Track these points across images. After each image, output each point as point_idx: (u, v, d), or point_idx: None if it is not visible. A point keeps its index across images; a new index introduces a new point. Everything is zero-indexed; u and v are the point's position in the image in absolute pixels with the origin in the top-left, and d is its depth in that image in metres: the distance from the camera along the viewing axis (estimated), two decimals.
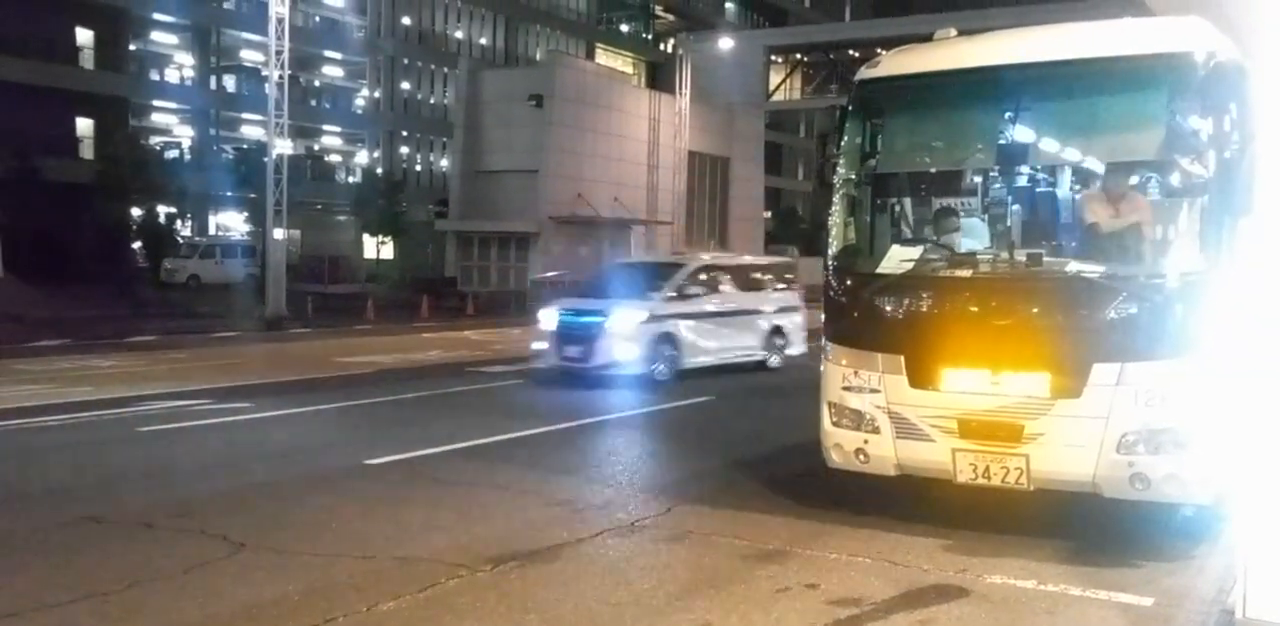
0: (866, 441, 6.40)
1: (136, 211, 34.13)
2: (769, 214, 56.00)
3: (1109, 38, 6.28)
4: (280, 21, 23.54)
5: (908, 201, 7.23)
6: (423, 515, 6.97)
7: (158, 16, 42.82)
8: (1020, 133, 6.43)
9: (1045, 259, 6.20)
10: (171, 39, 46.76)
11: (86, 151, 37.95)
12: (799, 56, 52.70)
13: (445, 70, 49.85)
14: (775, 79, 52.15)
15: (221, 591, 5.34)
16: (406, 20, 50.56)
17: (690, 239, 42.64)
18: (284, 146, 24.48)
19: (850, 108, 6.84)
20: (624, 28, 63.24)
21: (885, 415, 6.30)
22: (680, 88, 41.12)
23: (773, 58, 51.66)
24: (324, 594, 5.29)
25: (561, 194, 36.90)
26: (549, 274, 34.11)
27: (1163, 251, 5.89)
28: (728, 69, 45.83)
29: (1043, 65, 6.24)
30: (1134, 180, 6.42)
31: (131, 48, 42.94)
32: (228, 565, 5.81)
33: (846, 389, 6.49)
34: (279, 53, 23.55)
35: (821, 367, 6.79)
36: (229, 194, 38.68)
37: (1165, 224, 5.95)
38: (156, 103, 46.11)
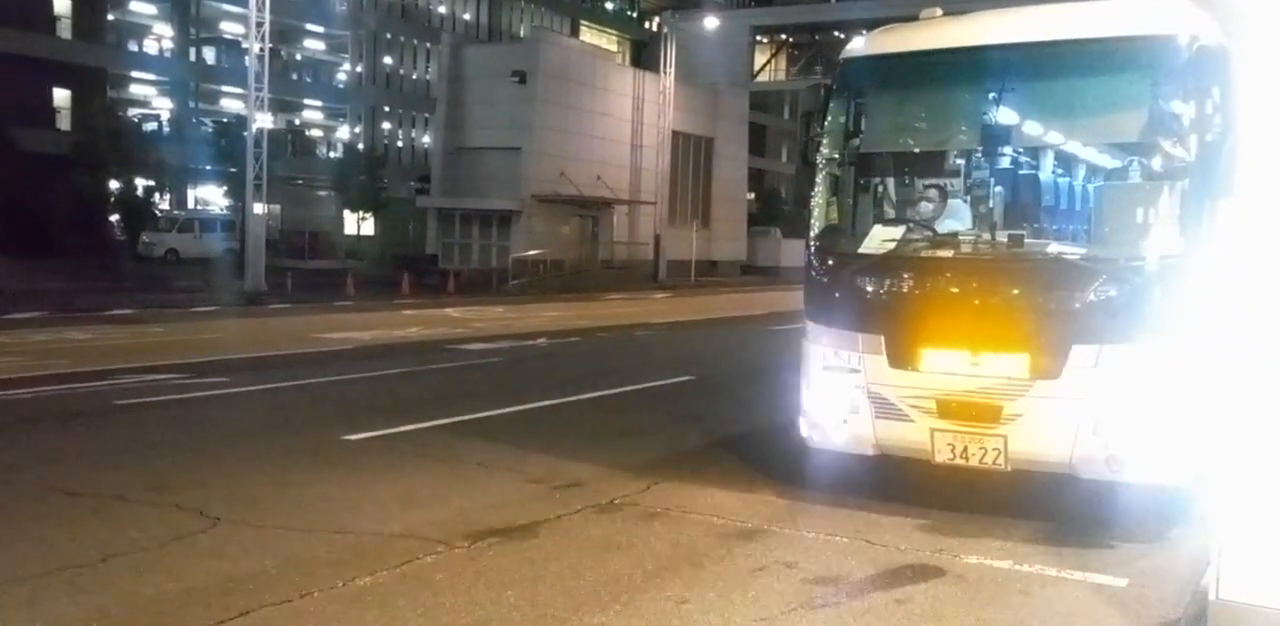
0: (845, 421, 6.41)
1: (114, 184, 33.76)
2: (752, 195, 55.96)
3: (1094, 19, 6.26)
4: None
5: (890, 181, 7.21)
6: (400, 491, 6.94)
7: None
8: (1003, 113, 6.41)
9: (1026, 240, 6.20)
10: (150, 9, 46.18)
11: (64, 122, 37.51)
12: (784, 37, 52.56)
13: (428, 45, 49.44)
14: (760, 59, 52.01)
15: (196, 565, 5.31)
16: None
17: (674, 219, 42.58)
18: (264, 120, 24.29)
19: (834, 86, 6.81)
20: (609, 5, 62.86)
21: (864, 395, 6.30)
22: (665, 67, 40.94)
23: (758, 38, 51.50)
24: (300, 568, 5.27)
25: (544, 172, 36.74)
26: (531, 252, 34.03)
27: (1143, 234, 5.89)
28: (713, 48, 45.66)
29: (1026, 46, 6.23)
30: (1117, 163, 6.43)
31: (110, 18, 42.39)
32: (203, 539, 5.77)
33: (826, 369, 6.49)
34: (260, 25, 23.30)
35: (801, 347, 6.79)
36: (208, 168, 38.37)
37: (1146, 207, 5.95)
38: (135, 74, 45.56)
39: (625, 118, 41.23)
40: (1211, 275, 5.66)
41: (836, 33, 46.57)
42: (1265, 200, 5.22)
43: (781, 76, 53.57)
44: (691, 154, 46.04)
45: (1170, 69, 5.81)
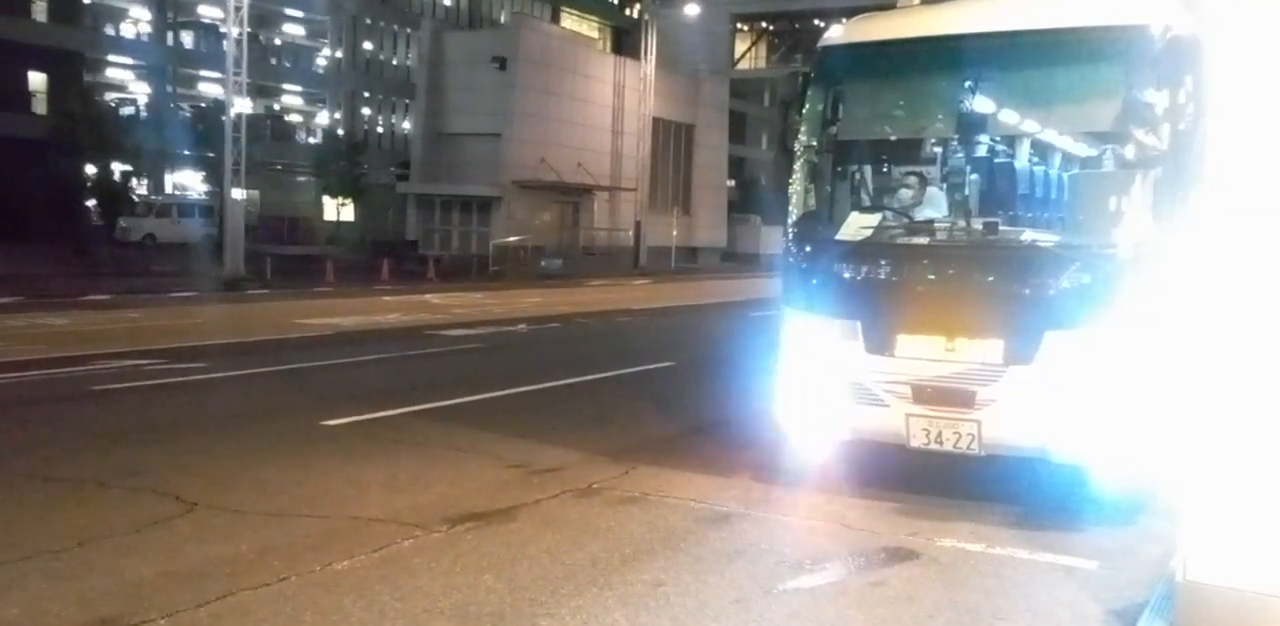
0: (821, 407, 6.45)
1: (91, 169, 33.48)
2: (733, 182, 55.98)
3: (1069, 8, 6.29)
4: None
5: (867, 169, 7.25)
6: (379, 475, 6.96)
7: None
8: (979, 102, 6.44)
9: (1001, 228, 6.25)
10: None
11: (39, 106, 37.14)
12: (765, 24, 52.44)
13: (408, 31, 49.15)
14: (741, 47, 51.91)
15: (174, 550, 5.32)
16: None
17: (654, 206, 42.57)
18: (243, 105, 24.12)
19: (812, 74, 6.83)
20: None
21: (840, 381, 6.35)
22: (645, 54, 40.85)
23: (739, 25, 51.38)
24: (278, 553, 5.28)
25: (525, 158, 36.65)
26: (511, 239, 33.96)
27: (1116, 222, 5.94)
28: (693, 36, 45.59)
29: (1002, 35, 6.25)
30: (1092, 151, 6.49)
31: (86, 1, 41.90)
32: (180, 524, 5.78)
33: (802, 355, 6.54)
34: (238, 9, 23.10)
35: (778, 333, 6.83)
36: (186, 152, 38.11)
37: (1119, 194, 6.00)
38: (112, 58, 45.14)
39: (606, 104, 41.16)
40: (1183, 262, 5.73)
41: (816, 21, 46.46)
42: (1235, 188, 5.29)
43: (762, 64, 53.49)
44: (672, 141, 46.00)
45: (1143, 58, 5.86)
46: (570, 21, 56.78)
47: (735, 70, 51.13)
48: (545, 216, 37.83)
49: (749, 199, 55.69)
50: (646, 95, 40.88)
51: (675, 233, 41.78)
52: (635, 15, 54.75)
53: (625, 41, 53.94)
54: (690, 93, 46.63)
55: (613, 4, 62.54)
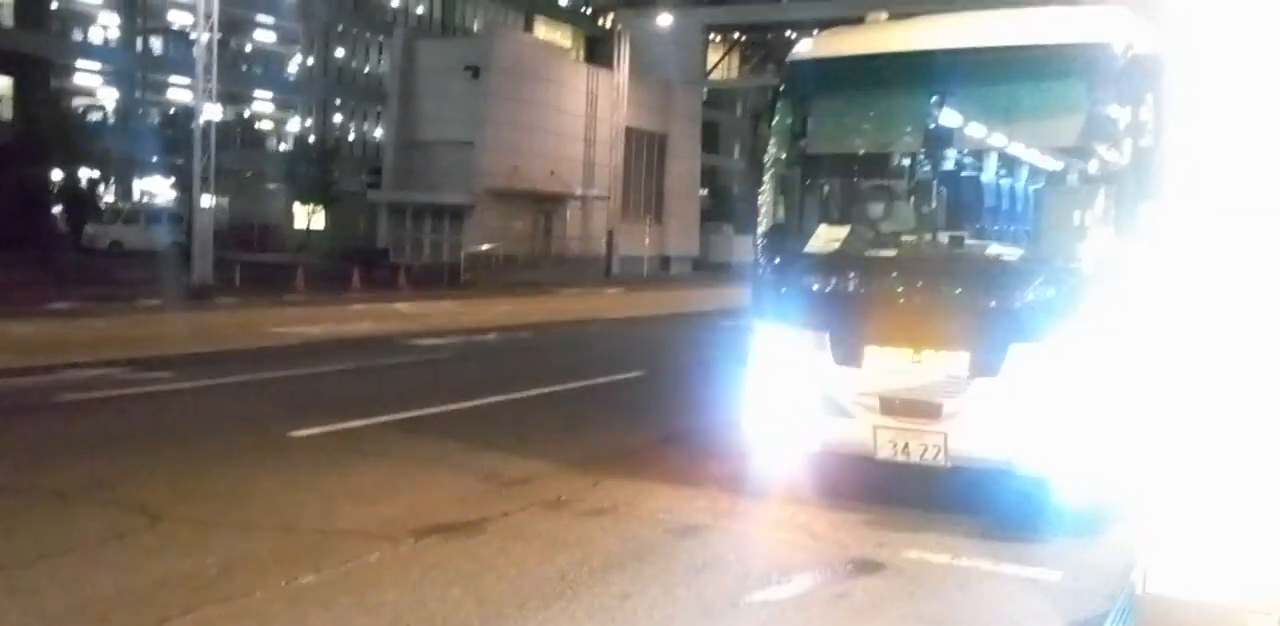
0: (790, 418, 6.49)
1: (58, 175, 33.12)
2: (705, 191, 56.15)
3: (1032, 25, 6.39)
4: None
5: (836, 182, 7.32)
6: (347, 486, 6.92)
7: None
8: (945, 117, 6.51)
9: (966, 241, 6.32)
10: None
11: (5, 112, 36.71)
12: (737, 35, 52.72)
13: (380, 38, 48.98)
14: (713, 57, 52.13)
15: (137, 564, 5.26)
16: None
17: (627, 215, 42.62)
18: (213, 111, 23.95)
19: (781, 88, 6.90)
20: (563, 1, 62.61)
21: (809, 393, 6.38)
22: (618, 63, 40.94)
23: (711, 36, 51.60)
24: (243, 566, 5.24)
25: (497, 166, 36.62)
26: (483, 247, 33.90)
27: (1079, 236, 6.02)
28: (666, 46, 45.71)
29: (967, 51, 6.34)
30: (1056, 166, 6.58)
31: (53, 6, 41.51)
32: (144, 537, 5.72)
33: (770, 366, 6.57)
34: (208, 15, 22.98)
35: (747, 344, 6.86)
36: (154, 159, 37.79)
37: (1082, 209, 6.08)
38: (80, 63, 44.71)
39: (579, 113, 41.20)
40: (1144, 276, 5.81)
41: (788, 32, 46.78)
42: (1193, 203, 5.38)
43: (734, 74, 53.80)
44: (645, 150, 46.10)
45: (1106, 75, 5.95)
46: (543, 30, 56.82)
47: (708, 80, 51.37)
48: (517, 225, 37.80)
49: (721, 208, 55.87)
50: (619, 104, 40.97)
51: (648, 241, 41.85)
52: (608, 25, 54.92)
53: (598, 51, 54.00)
54: (663, 102, 46.76)
55: (586, 13, 62.64)
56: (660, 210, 46.94)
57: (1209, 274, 5.33)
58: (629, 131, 42.64)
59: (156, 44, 46.64)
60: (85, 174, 34.15)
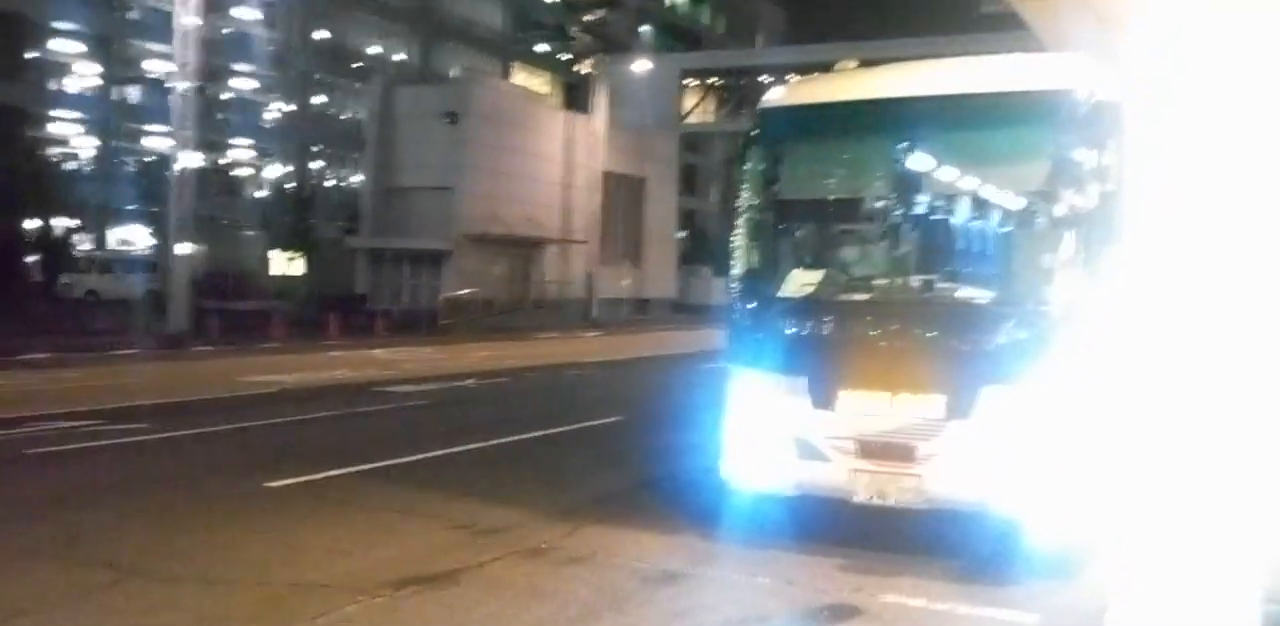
0: (767, 462, 6.50)
1: (32, 224, 33.00)
2: (683, 234, 56.44)
3: (998, 73, 6.54)
4: (188, 32, 23.09)
5: (808, 227, 7.39)
6: (322, 539, 6.85)
7: (58, 24, 41.61)
8: (914, 162, 6.62)
9: (937, 285, 6.39)
10: (72, 48, 45.40)
11: None
12: (713, 80, 53.31)
13: (358, 85, 49.24)
14: (689, 101, 52.65)
15: (105, 622, 5.18)
16: (319, 34, 49.91)
17: (605, 258, 42.75)
18: (189, 160, 23.95)
19: (753, 135, 7.00)
20: (540, 47, 63.32)
21: (785, 436, 6.40)
22: (596, 109, 41.30)
23: (687, 81, 52.19)
24: (215, 623, 5.17)
25: (475, 212, 36.71)
26: (462, 292, 33.88)
27: (1046, 280, 6.09)
28: (643, 91, 46.14)
29: (934, 99, 6.47)
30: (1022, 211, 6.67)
31: (29, 56, 41.61)
32: (112, 594, 5.63)
33: (747, 410, 6.59)
34: (185, 65, 23.09)
35: (724, 389, 6.87)
36: (130, 207, 37.69)
37: (1049, 253, 6.16)
38: (55, 113, 44.69)
39: (557, 158, 41.45)
40: (1110, 319, 5.88)
41: (762, 77, 47.39)
42: (1154, 247, 5.46)
43: (711, 118, 54.28)
44: (623, 194, 46.34)
45: (1069, 121, 6.07)
46: (521, 77, 57.37)
47: (685, 124, 51.76)
48: (496, 270, 37.81)
49: (700, 250, 56.11)
50: (597, 149, 41.26)
51: (626, 284, 41.94)
52: (586, 70, 55.53)
53: (576, 96, 54.52)
54: (640, 146, 47.12)
55: (563, 60, 63.34)
56: (638, 253, 47.10)
57: (1174, 313, 5.40)
58: (607, 176, 42.89)
59: (134, 93, 46.70)
60: (60, 223, 34.01)
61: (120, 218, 41.81)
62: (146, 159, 40.84)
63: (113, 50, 44.07)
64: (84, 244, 40.64)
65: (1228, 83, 8.21)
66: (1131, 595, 4.07)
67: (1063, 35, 10.08)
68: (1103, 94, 6.18)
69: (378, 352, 22.54)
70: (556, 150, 41.36)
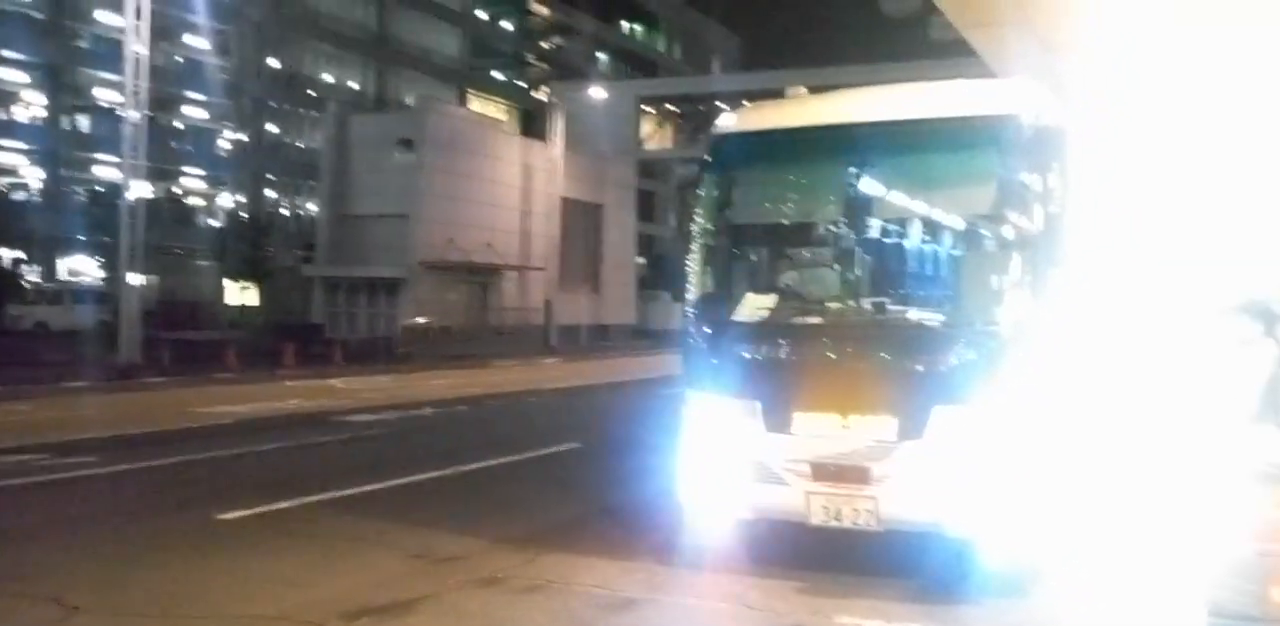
0: (723, 486, 6.50)
1: None
2: (642, 259, 56.60)
3: (945, 98, 6.65)
4: (138, 61, 22.93)
5: (761, 251, 7.45)
6: (274, 570, 6.75)
7: (5, 53, 41.15)
8: (865, 187, 6.70)
9: (888, 307, 6.46)
10: (20, 77, 44.93)
11: None
12: (670, 106, 53.75)
13: (313, 113, 49.06)
14: (647, 128, 53.01)
15: None
16: (273, 62, 49.72)
17: (564, 284, 42.73)
18: (141, 189, 23.70)
19: (706, 161, 7.06)
20: (497, 74, 63.54)
21: (741, 460, 6.41)
22: (553, 135, 41.43)
23: (644, 107, 52.57)
24: None
25: (432, 239, 36.60)
26: (419, 320, 33.70)
27: (994, 301, 6.16)
28: (600, 117, 46.41)
29: (883, 124, 6.56)
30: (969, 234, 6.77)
31: None
32: None
33: (703, 435, 6.60)
34: (136, 92, 22.91)
35: (680, 414, 6.88)
36: (81, 238, 37.17)
37: (998, 274, 6.24)
38: (3, 142, 44.09)
39: (514, 185, 41.48)
40: (1058, 339, 5.98)
41: (719, 103, 47.86)
42: (1099, 265, 5.58)
43: (669, 144, 54.69)
44: (581, 220, 46.42)
45: (1015, 144, 6.18)
46: (477, 104, 57.50)
47: (642, 150, 52.12)
48: (454, 297, 37.67)
49: (659, 276, 56.24)
50: (554, 176, 41.34)
51: (585, 310, 41.92)
52: (543, 97, 55.76)
53: (533, 123, 54.68)
54: (598, 173, 47.28)
55: (520, 86, 63.59)
56: (597, 279, 47.15)
57: (1119, 331, 5.50)
58: (565, 202, 42.97)
59: (83, 122, 46.20)
60: (9, 254, 33.45)
61: (70, 248, 41.21)
62: (97, 188, 40.28)
63: (62, 79, 43.59)
64: (33, 275, 39.99)
65: (1169, 106, 8.44)
66: (1083, 612, 4.11)
67: (1009, 61, 10.33)
68: (1047, 118, 6.31)
69: (334, 382, 22.33)
70: (514, 177, 41.41)
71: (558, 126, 41.35)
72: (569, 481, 10.41)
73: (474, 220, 38.85)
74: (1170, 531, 4.61)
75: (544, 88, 55.84)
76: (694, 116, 52.73)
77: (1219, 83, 9.19)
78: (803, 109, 7.03)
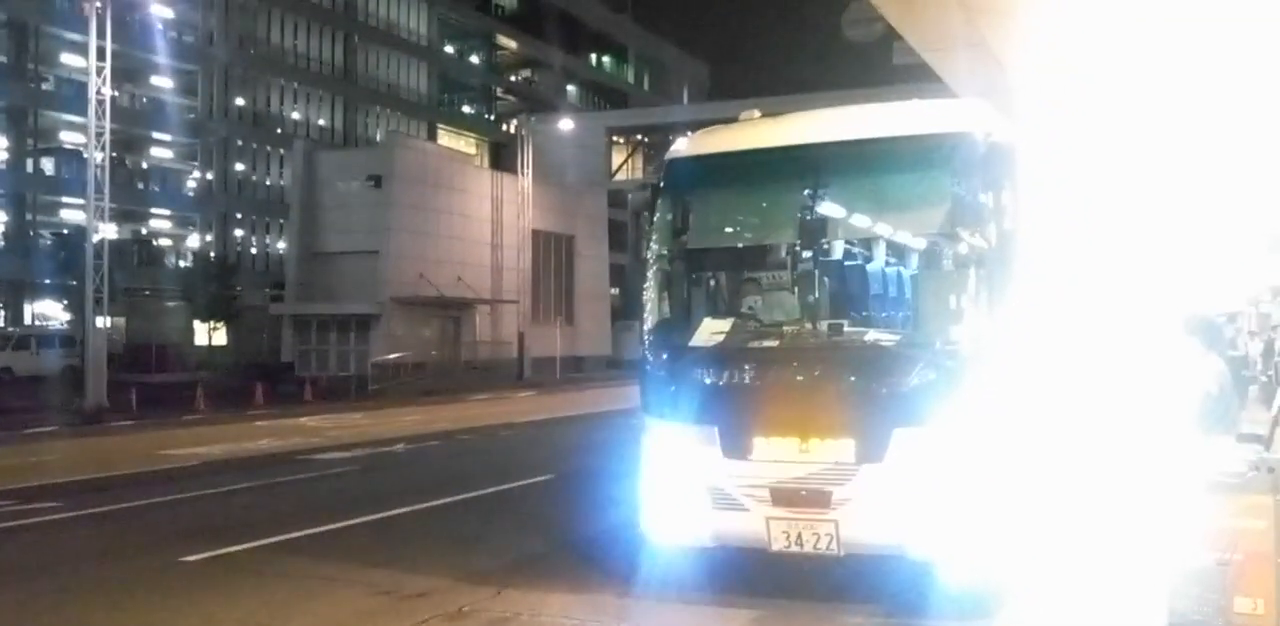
0: (683, 514, 6.45)
1: None
2: (615, 290, 56.64)
3: (897, 119, 6.69)
4: (101, 102, 22.87)
5: (717, 275, 7.46)
6: (239, 611, 6.65)
7: None
8: (819, 208, 6.69)
9: (845, 329, 6.46)
10: None
11: None
12: (639, 137, 54.09)
13: (281, 151, 49.00)
14: (617, 159, 53.29)
15: None
16: (239, 101, 49.69)
17: (537, 317, 42.65)
18: (107, 231, 23.55)
19: (661, 185, 7.07)
20: (466, 109, 63.74)
21: (700, 487, 6.36)
22: (523, 168, 41.53)
23: (614, 138, 52.87)
24: None
25: (403, 274, 36.48)
26: (391, 356, 33.49)
27: (952, 319, 6.17)
28: (570, 149, 46.63)
29: (836, 144, 6.58)
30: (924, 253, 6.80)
31: None
32: None
33: (663, 462, 6.56)
34: (100, 134, 22.83)
35: (641, 442, 6.84)
36: (47, 281, 36.80)
37: (954, 293, 6.25)
38: None
39: (485, 218, 41.47)
40: (1016, 358, 5.97)
41: (688, 132, 48.11)
42: (1052, 282, 5.62)
43: (639, 174, 54.93)
44: (553, 252, 46.45)
45: (967, 163, 6.20)
46: (447, 138, 57.57)
47: (613, 181, 52.33)
48: (426, 332, 37.49)
49: (632, 306, 56.25)
50: (525, 208, 41.39)
51: (559, 342, 41.83)
52: (512, 130, 55.99)
53: (503, 156, 54.80)
54: (569, 204, 47.39)
55: (489, 120, 63.78)
56: (571, 311, 47.09)
57: (1075, 347, 5.53)
58: (536, 234, 43.01)
59: (48, 164, 45.87)
60: None
61: (36, 292, 40.81)
62: (64, 231, 39.92)
63: (26, 121, 43.36)
64: None
65: (1120, 122, 8.55)
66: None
67: (971, 82, 10.45)
68: (998, 135, 6.34)
69: (305, 421, 22.11)
70: (484, 210, 41.41)
71: (528, 159, 41.47)
72: (539, 514, 10.32)
73: (445, 255, 38.78)
74: (1131, 544, 4.61)
75: (513, 121, 56.14)
76: (664, 147, 53.13)
77: (1170, 98, 9.34)
78: (755, 131, 7.06)
